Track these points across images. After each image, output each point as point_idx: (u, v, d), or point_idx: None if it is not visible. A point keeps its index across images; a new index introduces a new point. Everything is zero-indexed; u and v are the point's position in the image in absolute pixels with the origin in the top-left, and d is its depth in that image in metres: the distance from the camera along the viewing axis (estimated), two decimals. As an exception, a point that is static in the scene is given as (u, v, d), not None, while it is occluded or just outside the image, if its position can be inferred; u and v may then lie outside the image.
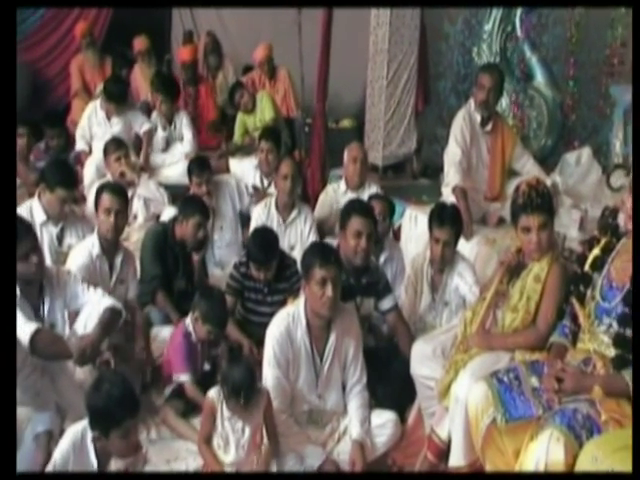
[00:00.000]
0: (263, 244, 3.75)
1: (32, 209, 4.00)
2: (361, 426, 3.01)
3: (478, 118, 4.58)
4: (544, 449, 2.29)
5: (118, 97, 5.63)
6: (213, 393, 2.82)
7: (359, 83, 6.90)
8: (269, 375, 2.98)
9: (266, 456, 2.82)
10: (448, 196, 4.50)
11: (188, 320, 3.39)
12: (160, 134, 5.76)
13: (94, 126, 5.67)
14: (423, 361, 3.09)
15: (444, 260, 3.58)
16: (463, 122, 4.56)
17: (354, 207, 3.55)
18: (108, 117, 5.67)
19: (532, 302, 2.86)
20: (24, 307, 3.07)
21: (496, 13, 5.81)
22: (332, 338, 3.04)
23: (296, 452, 2.88)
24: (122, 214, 3.72)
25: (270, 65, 6.38)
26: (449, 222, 3.57)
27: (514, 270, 2.97)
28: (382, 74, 6.00)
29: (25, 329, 2.93)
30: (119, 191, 3.78)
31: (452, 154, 4.55)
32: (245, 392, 2.70)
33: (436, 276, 3.67)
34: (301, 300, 3.06)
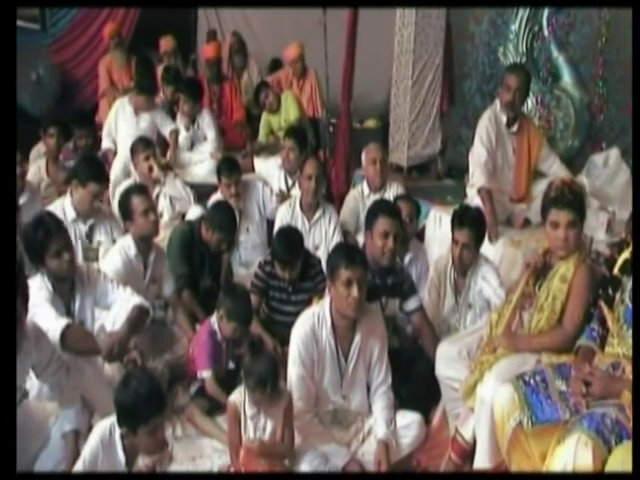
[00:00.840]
0: (288, 243, 3.77)
1: (63, 207, 4.07)
2: (387, 426, 3.02)
3: (504, 119, 4.55)
4: (571, 453, 2.27)
5: (149, 89, 5.69)
6: (235, 396, 2.83)
7: (384, 83, 6.90)
8: (294, 374, 3.00)
9: (281, 456, 2.83)
10: (473, 197, 4.48)
11: (213, 318, 3.42)
12: (183, 134, 5.80)
13: (120, 121, 5.71)
14: (448, 362, 3.08)
15: (462, 262, 3.57)
16: (489, 123, 4.54)
17: (381, 207, 3.55)
18: (136, 113, 5.72)
19: (558, 302, 2.85)
20: (56, 303, 3.13)
21: (523, 13, 5.77)
22: (357, 338, 3.04)
23: (320, 452, 2.89)
24: (154, 211, 3.81)
25: (301, 64, 6.39)
26: (469, 224, 3.56)
27: (540, 272, 2.96)
28: (407, 74, 5.98)
29: (56, 324, 2.99)
30: (145, 190, 3.87)
31: (477, 155, 4.52)
32: (271, 382, 2.71)
33: (459, 279, 3.67)
34: (326, 300, 3.07)
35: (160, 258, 3.88)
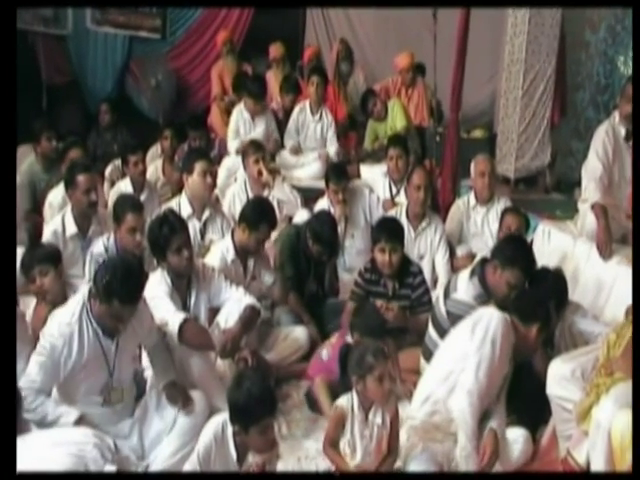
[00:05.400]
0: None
1: (180, 204, 4.27)
2: (500, 417, 2.98)
3: (622, 131, 4.36)
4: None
5: (258, 93, 5.86)
6: (343, 401, 2.84)
7: (491, 93, 6.80)
8: None
9: (387, 464, 2.83)
10: (586, 213, 4.34)
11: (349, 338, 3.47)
12: (294, 137, 5.93)
13: (241, 127, 5.92)
14: (561, 382, 2.99)
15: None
16: (606, 136, 4.37)
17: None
18: (252, 118, 5.90)
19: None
20: (174, 298, 3.28)
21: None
22: None
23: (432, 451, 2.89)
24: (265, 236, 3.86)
25: (412, 73, 6.41)
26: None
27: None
28: (517, 85, 5.88)
29: (174, 318, 3.14)
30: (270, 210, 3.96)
31: (592, 169, 4.37)
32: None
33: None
34: None
35: (260, 258, 3.95)
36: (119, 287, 2.70)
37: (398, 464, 2.87)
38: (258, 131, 5.86)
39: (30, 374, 2.72)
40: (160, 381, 3.00)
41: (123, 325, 2.81)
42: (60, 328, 2.76)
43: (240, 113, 5.94)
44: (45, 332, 2.80)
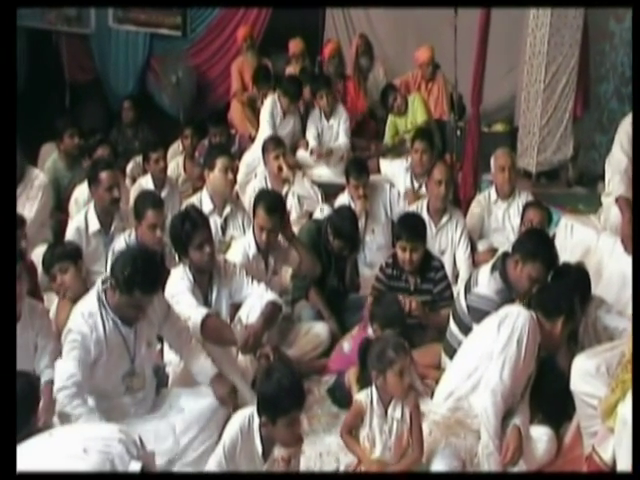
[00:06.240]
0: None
1: (201, 200, 4.30)
2: (524, 415, 2.97)
3: (648, 124, 4.31)
4: None
5: (294, 94, 5.84)
6: (362, 396, 2.84)
7: (512, 86, 6.73)
8: None
9: (411, 460, 2.82)
10: (610, 206, 4.28)
11: (370, 330, 3.48)
12: (313, 133, 5.90)
13: (276, 119, 5.88)
14: (585, 378, 2.95)
15: None
16: (630, 127, 4.31)
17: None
18: (284, 115, 5.89)
19: None
20: (195, 293, 3.30)
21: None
22: None
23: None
24: (275, 231, 3.80)
25: (432, 67, 6.37)
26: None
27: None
28: (539, 77, 5.81)
29: (196, 313, 3.16)
30: (276, 209, 3.84)
31: (617, 161, 4.30)
32: None
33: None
34: None
35: (281, 254, 3.95)
36: (141, 278, 2.75)
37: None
38: (287, 129, 5.85)
39: (68, 370, 2.76)
40: (200, 380, 3.06)
41: (143, 314, 2.87)
42: (84, 318, 2.82)
43: (274, 106, 5.87)
44: (70, 326, 2.84)
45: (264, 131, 5.71)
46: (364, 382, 2.96)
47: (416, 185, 5.09)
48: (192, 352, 3.11)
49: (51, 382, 2.89)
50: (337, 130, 5.91)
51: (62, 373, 2.76)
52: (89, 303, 2.88)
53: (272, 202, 3.80)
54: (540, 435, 3.01)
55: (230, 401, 2.98)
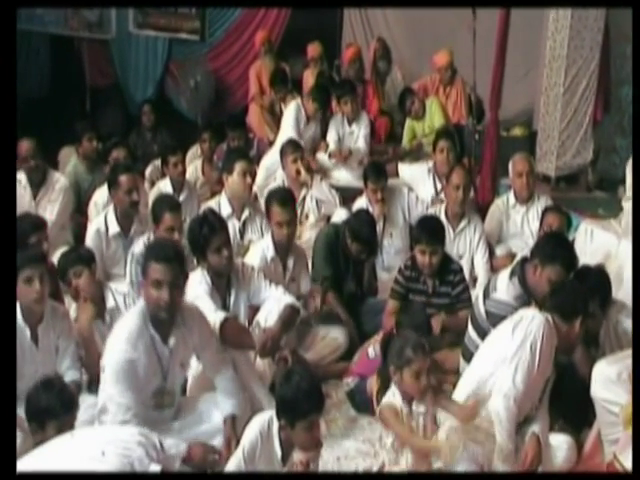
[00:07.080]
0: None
1: (220, 203, 4.32)
2: (543, 422, 2.96)
3: (670, 128, 4.26)
4: None
5: (322, 101, 5.84)
6: (389, 399, 2.85)
7: (531, 90, 6.70)
8: None
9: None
10: (630, 210, 4.25)
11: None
12: (333, 137, 5.90)
13: (300, 123, 5.87)
14: (606, 384, 2.92)
15: None
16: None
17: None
18: (308, 120, 5.88)
19: None
20: (214, 297, 3.31)
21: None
22: None
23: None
24: (293, 225, 3.86)
25: (450, 71, 6.36)
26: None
27: None
28: (559, 81, 5.79)
29: (215, 317, 3.17)
30: (288, 201, 3.90)
31: (638, 166, 4.28)
32: None
33: None
34: None
35: (300, 260, 3.97)
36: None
37: (438, 464, 2.84)
38: (309, 133, 5.85)
39: (125, 403, 2.69)
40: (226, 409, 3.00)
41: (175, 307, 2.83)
42: (131, 343, 2.76)
43: (299, 110, 5.85)
44: (116, 351, 2.76)
45: (286, 135, 5.68)
46: (384, 377, 2.97)
47: (440, 187, 5.06)
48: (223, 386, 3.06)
49: (73, 383, 2.91)
50: (357, 135, 5.90)
51: (119, 406, 2.68)
52: (130, 323, 2.82)
53: (284, 195, 3.92)
54: (560, 443, 2.99)
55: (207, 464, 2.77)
